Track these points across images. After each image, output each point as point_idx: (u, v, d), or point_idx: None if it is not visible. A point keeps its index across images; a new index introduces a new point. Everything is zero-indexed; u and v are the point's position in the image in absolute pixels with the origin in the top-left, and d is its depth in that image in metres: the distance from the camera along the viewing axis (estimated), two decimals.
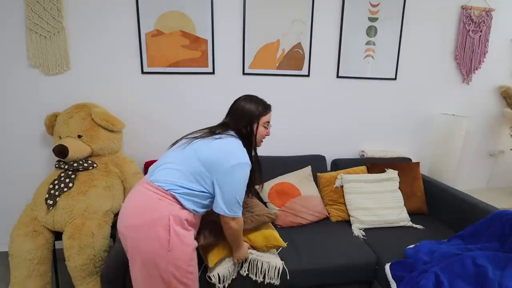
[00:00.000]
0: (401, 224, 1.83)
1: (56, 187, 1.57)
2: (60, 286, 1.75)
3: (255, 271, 1.40)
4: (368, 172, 2.05)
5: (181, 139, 1.28)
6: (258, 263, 1.40)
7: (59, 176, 1.61)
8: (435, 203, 2.00)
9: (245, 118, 1.27)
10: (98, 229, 1.52)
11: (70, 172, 1.63)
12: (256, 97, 1.36)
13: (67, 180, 1.59)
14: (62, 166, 1.66)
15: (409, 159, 2.25)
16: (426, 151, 2.48)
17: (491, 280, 1.13)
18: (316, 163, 2.11)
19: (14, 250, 1.50)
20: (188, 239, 1.12)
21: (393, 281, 1.40)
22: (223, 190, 1.14)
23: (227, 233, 1.24)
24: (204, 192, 1.16)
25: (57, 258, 1.68)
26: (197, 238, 1.26)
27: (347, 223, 1.88)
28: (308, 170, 2.05)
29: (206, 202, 1.19)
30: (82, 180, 1.62)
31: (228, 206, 1.15)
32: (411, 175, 2.05)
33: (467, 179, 2.58)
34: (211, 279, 1.32)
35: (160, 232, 1.06)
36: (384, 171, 2.02)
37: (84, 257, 1.46)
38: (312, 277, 1.49)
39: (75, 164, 1.65)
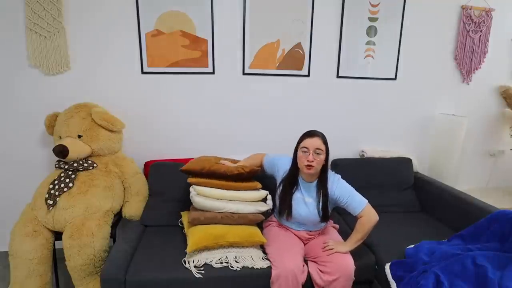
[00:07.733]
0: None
1: (56, 187, 1.57)
2: (60, 286, 1.75)
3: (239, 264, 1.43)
4: None
5: None
6: (240, 258, 1.45)
7: (59, 176, 1.61)
8: (435, 203, 1.99)
9: None
10: (98, 229, 1.52)
11: (70, 172, 1.63)
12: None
13: (67, 180, 1.59)
14: (62, 166, 1.66)
15: (409, 159, 2.25)
16: (426, 151, 2.48)
17: (491, 280, 1.13)
18: None
19: (14, 250, 1.50)
20: None
21: (393, 281, 1.40)
22: None
23: None
24: None
25: (57, 258, 1.68)
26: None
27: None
28: None
29: None
30: (82, 180, 1.63)
31: None
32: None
33: (467, 179, 2.57)
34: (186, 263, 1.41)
35: None
36: None
37: (84, 257, 1.46)
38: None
39: (75, 164, 1.65)
